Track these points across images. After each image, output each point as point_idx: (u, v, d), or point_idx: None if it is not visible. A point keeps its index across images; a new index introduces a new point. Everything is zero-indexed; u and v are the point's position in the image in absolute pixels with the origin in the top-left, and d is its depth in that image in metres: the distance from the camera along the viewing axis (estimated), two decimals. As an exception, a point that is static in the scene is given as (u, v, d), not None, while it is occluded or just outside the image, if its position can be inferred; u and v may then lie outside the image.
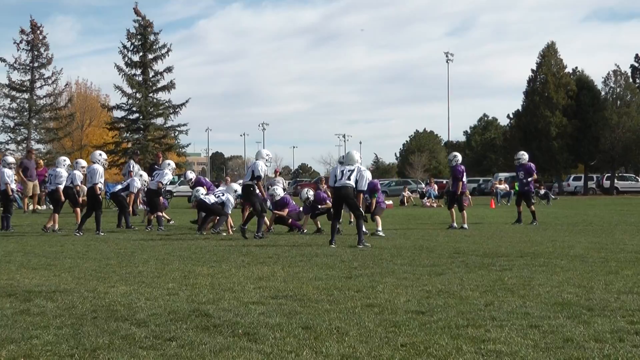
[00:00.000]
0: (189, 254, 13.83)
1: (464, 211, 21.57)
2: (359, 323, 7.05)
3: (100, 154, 21.03)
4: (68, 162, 21.39)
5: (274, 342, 6.30)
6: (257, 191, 17.77)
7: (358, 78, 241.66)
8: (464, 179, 22.05)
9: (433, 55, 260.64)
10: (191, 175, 24.07)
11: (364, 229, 16.40)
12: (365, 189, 16.72)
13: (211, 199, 19.69)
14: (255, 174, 17.76)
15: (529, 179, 23.10)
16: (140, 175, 23.39)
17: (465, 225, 20.90)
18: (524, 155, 23.74)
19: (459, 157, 22.28)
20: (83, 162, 21.75)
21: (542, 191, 45.67)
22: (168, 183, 23.08)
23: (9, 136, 61.40)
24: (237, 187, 20.66)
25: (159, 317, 7.39)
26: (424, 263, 12.10)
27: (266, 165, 18.13)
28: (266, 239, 17.24)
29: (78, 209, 21.36)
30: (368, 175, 16.73)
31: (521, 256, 13.04)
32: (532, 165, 23.49)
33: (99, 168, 19.98)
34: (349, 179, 15.87)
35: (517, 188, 25.24)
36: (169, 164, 22.87)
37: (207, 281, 10.07)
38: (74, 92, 77.47)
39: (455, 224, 21.29)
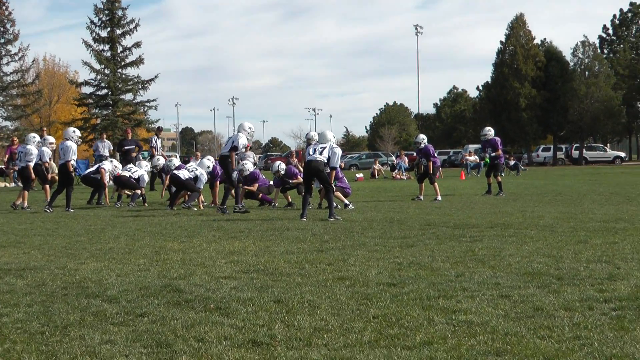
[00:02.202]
0: (159, 230, 13.78)
1: (436, 183, 21.63)
2: (331, 296, 7.06)
3: (74, 131, 20.77)
4: (38, 139, 21.20)
5: (246, 316, 6.30)
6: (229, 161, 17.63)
7: (328, 51, 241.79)
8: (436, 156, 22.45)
9: (403, 28, 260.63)
10: (161, 162, 23.71)
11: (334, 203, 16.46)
12: (337, 165, 16.77)
13: (185, 174, 19.59)
14: (233, 144, 17.74)
15: (493, 154, 23.17)
16: (111, 161, 23.25)
17: (439, 198, 20.97)
18: (490, 131, 23.81)
19: (425, 137, 22.61)
20: (51, 139, 21.61)
21: (512, 162, 45.94)
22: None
23: (-25, 113, 60.81)
24: (209, 162, 20.58)
25: (130, 293, 7.37)
26: (395, 235, 12.14)
27: (248, 139, 18.08)
28: (244, 212, 17.17)
29: (47, 186, 21.26)
30: (339, 152, 16.77)
31: (491, 227, 13.12)
32: (498, 140, 23.58)
33: (72, 145, 19.75)
34: (320, 154, 16.00)
35: (487, 160, 25.32)
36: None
37: (178, 256, 10.05)
38: (41, 69, 76.63)
39: (421, 197, 21.41)
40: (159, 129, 33.10)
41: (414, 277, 8.04)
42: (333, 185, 16.58)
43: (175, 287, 7.62)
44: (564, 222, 13.71)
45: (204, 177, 19.79)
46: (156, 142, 30.80)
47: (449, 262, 9.06)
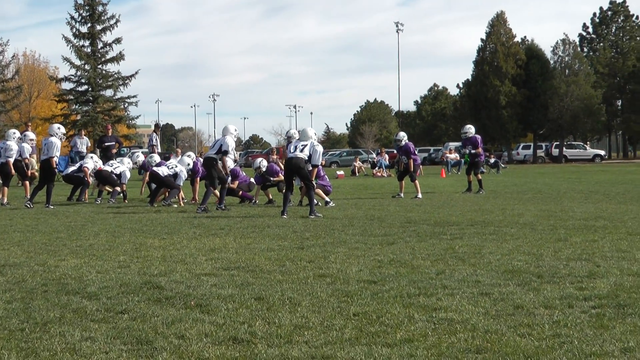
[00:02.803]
0: (140, 227, 13.74)
1: (416, 181, 21.65)
2: (312, 293, 7.07)
3: (59, 128, 20.68)
4: (18, 134, 21.08)
5: (227, 314, 6.30)
6: (221, 166, 17.65)
7: (309, 48, 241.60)
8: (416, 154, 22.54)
9: (384, 25, 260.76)
10: (140, 158, 23.69)
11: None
12: (319, 163, 16.78)
13: (164, 171, 19.51)
14: (223, 148, 17.72)
15: (473, 151, 23.18)
16: (92, 157, 23.14)
17: (420, 195, 20.96)
18: (470, 129, 23.84)
19: (405, 135, 22.63)
20: (32, 135, 21.50)
21: (492, 160, 46.05)
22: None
23: (-45, 108, 60.34)
24: (189, 159, 20.55)
25: (110, 290, 7.35)
26: (376, 233, 12.16)
27: (234, 140, 18.10)
28: (225, 210, 17.11)
29: (27, 182, 21.15)
30: (321, 150, 16.78)
31: (472, 225, 13.16)
32: (479, 137, 23.64)
33: (56, 141, 19.63)
34: (302, 151, 16.00)
35: (467, 158, 25.36)
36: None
37: (158, 253, 10.03)
38: (21, 64, 76.22)
39: (402, 194, 21.45)
40: (157, 126, 32.76)
41: (394, 274, 8.05)
42: (314, 182, 16.60)
43: (155, 284, 7.61)
44: (543, 220, 13.77)
45: (184, 174, 19.75)
46: (156, 139, 30.64)
47: (429, 260, 9.08)
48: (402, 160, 22.11)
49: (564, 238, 11.01)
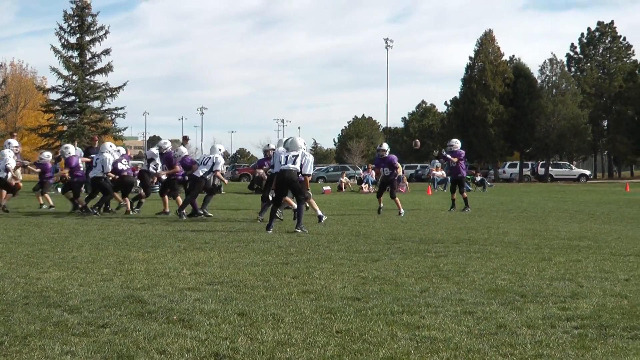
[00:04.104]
0: (124, 239, 13.69)
1: (397, 198, 21.56)
2: (295, 309, 7.05)
3: (111, 145, 22.11)
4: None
5: (209, 329, 6.27)
6: (217, 181, 19.17)
7: (299, 63, 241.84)
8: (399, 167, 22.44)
9: (374, 41, 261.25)
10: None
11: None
12: (311, 173, 16.66)
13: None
14: (215, 167, 20.07)
15: (451, 157, 23.07)
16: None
17: (402, 211, 20.89)
18: (457, 143, 23.89)
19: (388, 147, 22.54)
20: (15, 142, 21.80)
21: (478, 178, 46.14)
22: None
23: (-59, 118, 60.08)
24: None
25: (92, 304, 7.31)
26: (361, 249, 12.14)
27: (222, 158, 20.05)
28: (203, 220, 17.13)
29: (4, 192, 21.49)
30: (312, 159, 16.69)
31: (457, 243, 13.16)
32: (463, 152, 23.71)
33: (109, 157, 21.04)
34: (293, 163, 15.91)
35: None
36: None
37: (142, 267, 9.98)
38: (8, 74, 76.18)
39: (382, 204, 21.59)
40: (186, 138, 32.31)
41: (378, 291, 8.04)
42: (309, 193, 16.59)
43: (138, 298, 7.57)
44: (528, 239, 13.79)
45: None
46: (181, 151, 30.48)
47: (413, 277, 9.07)
48: (383, 172, 21.98)
49: (548, 257, 11.02)
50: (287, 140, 17.57)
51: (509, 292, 7.95)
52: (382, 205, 21.56)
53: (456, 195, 23.28)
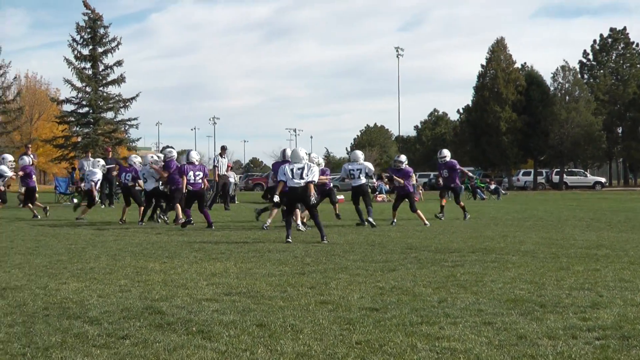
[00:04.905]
0: (140, 250, 13.72)
1: (417, 210, 21.34)
2: (313, 320, 7.04)
3: (152, 156, 22.32)
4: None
5: (228, 340, 6.27)
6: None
7: (310, 72, 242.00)
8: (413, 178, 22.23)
9: (384, 50, 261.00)
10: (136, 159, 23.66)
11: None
12: (316, 180, 16.48)
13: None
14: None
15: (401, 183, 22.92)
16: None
17: (427, 222, 20.62)
18: (448, 154, 24.00)
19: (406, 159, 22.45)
20: (10, 157, 22.09)
21: (492, 186, 46.03)
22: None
23: (-44, 129, 60.22)
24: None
25: (111, 315, 7.33)
26: (377, 259, 12.13)
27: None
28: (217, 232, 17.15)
29: None
30: (316, 169, 16.57)
31: (473, 252, 13.13)
32: (455, 162, 23.76)
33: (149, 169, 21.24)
34: (301, 177, 15.85)
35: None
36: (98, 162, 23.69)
37: (159, 277, 10.00)
38: (23, 86, 76.56)
39: (395, 221, 21.20)
40: (224, 148, 32.23)
41: (396, 302, 8.03)
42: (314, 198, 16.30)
43: (157, 309, 7.58)
44: (545, 248, 13.74)
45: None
46: (219, 161, 30.50)
47: (431, 287, 9.05)
48: (396, 184, 21.77)
49: (566, 267, 10.97)
50: (284, 151, 17.64)
51: (528, 302, 7.92)
52: (395, 220, 21.21)
53: (446, 203, 23.39)
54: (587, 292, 8.68)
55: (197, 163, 19.76)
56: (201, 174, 19.64)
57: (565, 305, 7.75)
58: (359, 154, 21.31)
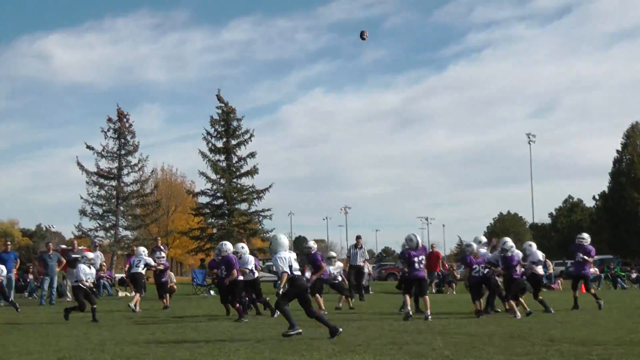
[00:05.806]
0: (278, 342, 13.73)
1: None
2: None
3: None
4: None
5: None
6: None
7: (440, 160, 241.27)
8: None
9: (515, 137, 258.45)
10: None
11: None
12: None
13: None
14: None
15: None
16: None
17: (519, 315, 19.18)
18: (587, 238, 23.34)
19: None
20: (91, 255, 22.10)
21: (634, 275, 44.69)
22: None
23: (98, 223, 61.81)
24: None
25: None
26: (518, 352, 11.85)
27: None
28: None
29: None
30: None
31: (619, 344, 12.68)
32: (592, 248, 23.15)
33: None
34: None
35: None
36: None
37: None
38: (159, 179, 78.62)
39: (518, 314, 19.24)
40: (359, 237, 32.31)
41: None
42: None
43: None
44: (695, 340, 13.19)
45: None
46: (351, 252, 30.94)
47: (577, 382, 8.79)
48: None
49: None
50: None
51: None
52: (517, 314, 19.20)
53: (579, 294, 23.04)
54: None
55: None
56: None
57: None
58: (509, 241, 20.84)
